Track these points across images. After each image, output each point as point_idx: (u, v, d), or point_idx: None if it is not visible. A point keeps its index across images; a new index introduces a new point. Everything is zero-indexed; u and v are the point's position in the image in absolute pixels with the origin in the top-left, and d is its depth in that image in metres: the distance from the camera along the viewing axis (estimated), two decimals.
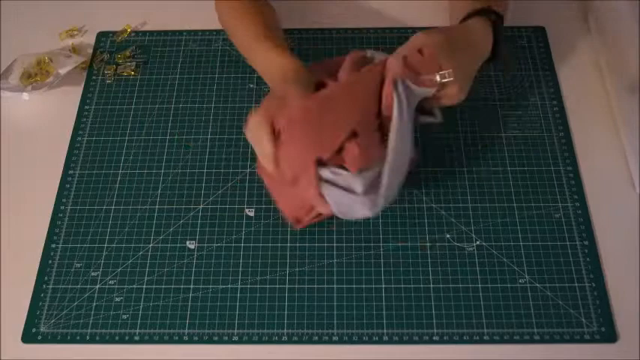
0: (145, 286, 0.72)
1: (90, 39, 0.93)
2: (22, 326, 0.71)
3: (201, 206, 0.77)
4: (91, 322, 0.70)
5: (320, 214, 0.71)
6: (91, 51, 0.92)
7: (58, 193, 0.79)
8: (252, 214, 0.77)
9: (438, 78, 0.66)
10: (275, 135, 0.65)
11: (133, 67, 0.89)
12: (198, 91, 0.87)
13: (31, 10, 0.97)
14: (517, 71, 0.87)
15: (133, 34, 0.93)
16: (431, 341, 0.68)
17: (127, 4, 0.96)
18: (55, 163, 0.82)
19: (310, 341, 0.69)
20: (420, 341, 0.68)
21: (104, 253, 0.75)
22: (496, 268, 0.72)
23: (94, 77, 0.89)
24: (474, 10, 0.73)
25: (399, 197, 0.76)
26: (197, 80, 0.88)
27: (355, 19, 0.92)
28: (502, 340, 0.68)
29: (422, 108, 0.70)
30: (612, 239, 0.74)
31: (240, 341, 0.69)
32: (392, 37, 0.89)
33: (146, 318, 0.70)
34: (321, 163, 0.65)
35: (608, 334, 0.68)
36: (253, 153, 0.80)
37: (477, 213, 0.76)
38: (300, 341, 0.69)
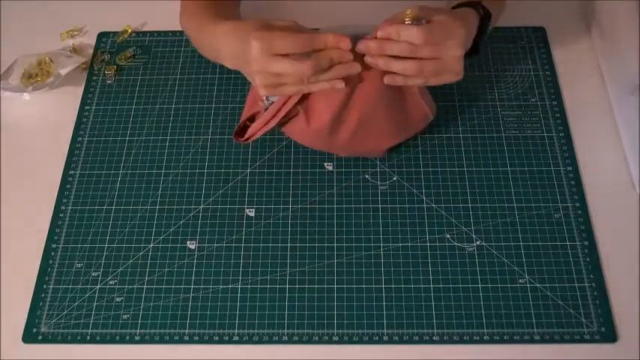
0: (145, 286, 0.72)
1: (91, 39, 0.94)
2: (23, 326, 0.71)
3: (201, 206, 0.77)
4: (91, 322, 0.71)
5: None
6: (91, 51, 0.92)
7: (58, 193, 0.79)
8: (252, 214, 0.77)
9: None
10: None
11: (133, 68, 0.89)
12: (199, 91, 0.87)
13: (32, 10, 0.97)
14: (517, 71, 0.87)
15: (133, 35, 0.93)
16: (431, 341, 0.68)
17: (128, 4, 0.96)
18: (56, 163, 0.82)
19: (310, 341, 0.69)
20: (420, 341, 0.68)
21: (104, 254, 0.75)
22: (496, 268, 0.72)
23: (94, 77, 0.89)
24: (465, 1, 0.73)
25: (398, 198, 0.77)
26: (197, 80, 0.88)
27: (349, 19, 0.92)
28: (502, 340, 0.68)
29: None
30: (612, 239, 0.74)
31: (240, 341, 0.69)
32: None
33: (146, 318, 0.71)
34: None
35: (608, 334, 0.68)
36: (253, 153, 0.81)
37: (476, 213, 0.76)
38: (300, 341, 0.69)
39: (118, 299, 0.72)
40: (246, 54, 0.65)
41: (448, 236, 0.74)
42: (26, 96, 0.88)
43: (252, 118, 0.73)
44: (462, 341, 0.68)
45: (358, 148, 0.78)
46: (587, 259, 0.72)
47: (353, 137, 0.73)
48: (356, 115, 0.71)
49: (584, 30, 0.91)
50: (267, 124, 0.72)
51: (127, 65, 0.90)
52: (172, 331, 0.70)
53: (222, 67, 0.88)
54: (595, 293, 0.70)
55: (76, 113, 0.86)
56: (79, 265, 0.74)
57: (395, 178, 0.78)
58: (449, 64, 0.66)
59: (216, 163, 0.81)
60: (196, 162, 0.81)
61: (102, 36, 0.94)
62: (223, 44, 0.70)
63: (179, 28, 0.87)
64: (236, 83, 0.87)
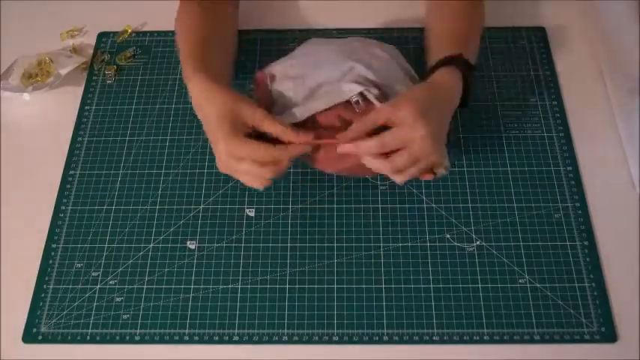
0: (145, 286, 0.72)
1: (91, 39, 0.94)
2: (23, 326, 0.71)
3: (201, 206, 0.77)
4: (91, 322, 0.71)
5: None
6: (91, 51, 0.92)
7: (58, 193, 0.79)
8: (252, 214, 0.77)
9: None
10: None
11: (133, 68, 0.89)
12: None
13: (32, 10, 0.97)
14: (517, 71, 0.87)
15: (133, 35, 0.93)
16: (431, 341, 0.68)
17: (128, 4, 0.96)
18: (56, 163, 0.82)
19: (310, 341, 0.69)
20: (420, 341, 0.68)
21: (104, 254, 0.75)
22: (496, 268, 0.72)
23: (94, 77, 0.89)
24: (445, 58, 0.70)
25: (398, 198, 0.77)
26: None
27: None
28: (502, 340, 0.68)
29: None
30: (612, 239, 0.74)
31: (240, 341, 0.69)
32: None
33: (146, 318, 0.71)
34: None
35: (608, 334, 0.68)
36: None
37: (476, 213, 0.76)
38: (300, 341, 0.69)
39: (118, 299, 0.72)
40: (212, 134, 0.67)
41: (448, 236, 0.74)
42: (26, 96, 0.88)
43: None
44: (462, 341, 0.68)
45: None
46: (587, 259, 0.72)
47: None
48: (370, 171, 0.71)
49: (584, 30, 0.91)
50: None
51: (127, 65, 0.90)
52: (172, 331, 0.70)
53: None
54: (595, 293, 0.70)
55: (76, 113, 0.86)
56: (79, 265, 0.74)
57: None
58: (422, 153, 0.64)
59: (216, 163, 0.80)
60: (196, 162, 0.81)
61: (102, 36, 0.94)
62: (191, 89, 0.69)
63: None
64: (236, 84, 0.87)
